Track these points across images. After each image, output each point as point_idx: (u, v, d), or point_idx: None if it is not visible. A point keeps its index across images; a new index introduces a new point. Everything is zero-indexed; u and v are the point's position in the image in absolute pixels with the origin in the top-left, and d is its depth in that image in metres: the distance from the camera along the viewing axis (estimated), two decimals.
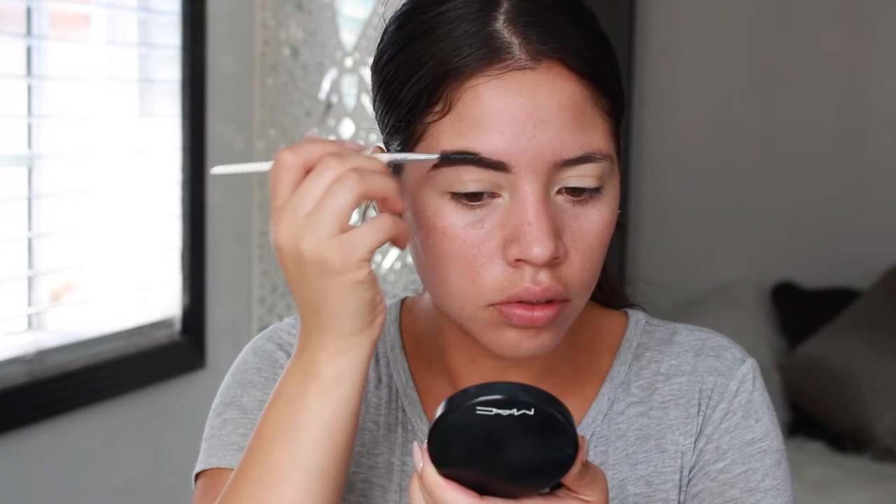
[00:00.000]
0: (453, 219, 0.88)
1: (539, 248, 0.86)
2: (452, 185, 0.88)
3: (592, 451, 1.00)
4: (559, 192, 0.88)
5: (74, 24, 2.26)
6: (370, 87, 0.98)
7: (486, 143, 0.86)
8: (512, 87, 0.86)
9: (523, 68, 0.86)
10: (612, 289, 1.08)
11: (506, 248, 0.88)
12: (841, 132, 3.72)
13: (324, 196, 0.82)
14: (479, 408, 0.75)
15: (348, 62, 2.53)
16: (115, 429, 2.22)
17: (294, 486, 0.87)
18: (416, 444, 0.80)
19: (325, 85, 2.55)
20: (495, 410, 0.75)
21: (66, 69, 2.17)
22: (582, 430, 1.00)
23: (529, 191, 0.87)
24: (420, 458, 0.79)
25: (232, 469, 0.97)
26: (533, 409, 0.75)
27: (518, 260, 0.87)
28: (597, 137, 0.88)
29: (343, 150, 0.85)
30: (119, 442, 2.23)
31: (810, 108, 3.73)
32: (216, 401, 1.04)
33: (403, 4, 0.94)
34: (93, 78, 2.20)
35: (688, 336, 1.03)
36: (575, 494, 0.80)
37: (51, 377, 2.06)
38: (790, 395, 3.34)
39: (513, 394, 0.75)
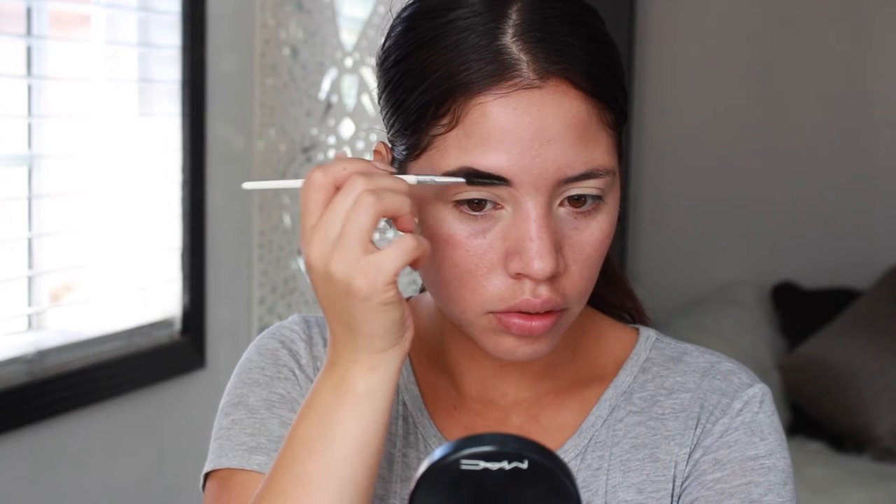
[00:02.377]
0: (457, 228, 0.89)
1: (540, 264, 0.87)
2: (456, 194, 0.89)
3: (590, 455, 1.00)
4: (561, 203, 0.90)
5: (74, 24, 2.26)
6: (374, 84, 0.98)
7: (492, 161, 0.87)
8: (519, 107, 0.87)
9: (531, 87, 0.87)
10: (636, 308, 1.10)
11: (507, 260, 0.89)
12: (841, 132, 3.72)
13: (346, 218, 0.84)
14: (464, 461, 0.66)
15: (348, 62, 2.53)
16: (115, 429, 2.22)
17: (327, 497, 0.87)
18: None
19: (325, 85, 2.55)
20: (483, 464, 0.66)
21: (66, 69, 2.17)
22: (581, 434, 1.00)
23: (532, 207, 0.88)
24: None
25: (242, 469, 0.98)
26: (526, 462, 0.66)
27: (519, 273, 0.89)
28: (600, 153, 0.89)
29: (371, 168, 0.86)
30: (119, 442, 2.23)
31: (810, 108, 3.73)
32: (223, 401, 1.05)
33: (411, 4, 0.94)
34: (93, 78, 2.20)
35: (698, 357, 1.03)
36: None
37: (51, 377, 2.06)
38: (790, 395, 3.33)
39: (502, 444, 0.66)
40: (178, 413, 2.38)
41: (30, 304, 2.09)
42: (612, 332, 1.05)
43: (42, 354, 2.07)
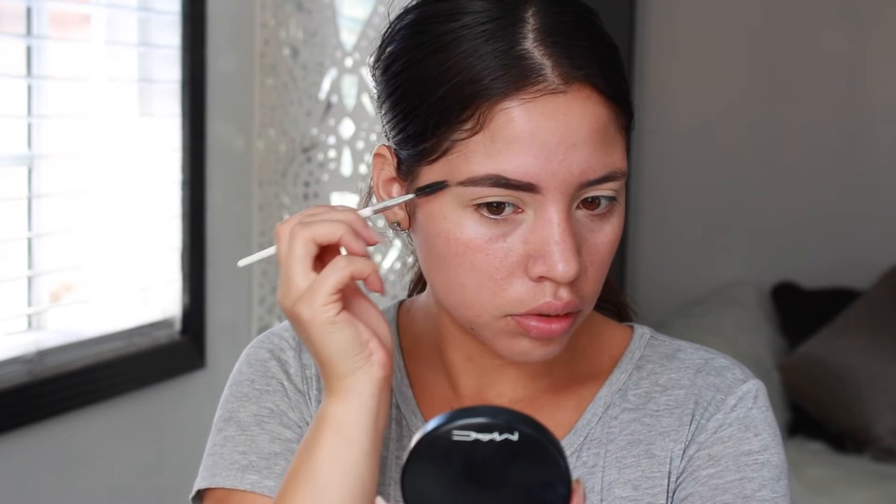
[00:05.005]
0: (476, 231, 0.90)
1: (565, 267, 0.88)
2: (476, 198, 0.89)
3: (586, 452, 1.00)
4: (578, 206, 0.91)
5: (74, 24, 2.26)
6: (373, 86, 0.98)
7: (518, 166, 0.88)
8: (546, 112, 0.88)
9: (556, 92, 0.88)
10: (619, 301, 1.12)
11: (528, 263, 0.90)
12: (841, 132, 3.72)
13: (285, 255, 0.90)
14: (455, 432, 0.68)
15: (348, 62, 2.53)
16: (115, 429, 2.22)
17: None
18: (378, 499, 0.79)
19: (325, 85, 2.55)
20: (474, 435, 0.67)
21: (66, 69, 2.17)
22: (576, 431, 1.01)
23: (555, 210, 0.89)
24: None
25: (237, 489, 1.00)
26: (517, 434, 0.67)
27: (541, 276, 0.90)
28: (617, 156, 0.91)
29: (319, 210, 0.91)
30: (119, 442, 2.23)
31: (810, 108, 3.72)
32: (218, 414, 1.05)
33: (414, 8, 0.94)
34: (93, 78, 2.20)
35: (692, 354, 1.04)
36: None
37: (51, 377, 2.06)
38: (790, 395, 3.33)
39: (494, 416, 0.67)
40: (178, 413, 2.38)
41: (30, 304, 2.09)
42: (608, 330, 1.06)
43: (42, 354, 2.07)
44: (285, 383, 1.03)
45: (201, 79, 2.39)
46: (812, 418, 3.30)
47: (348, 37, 2.54)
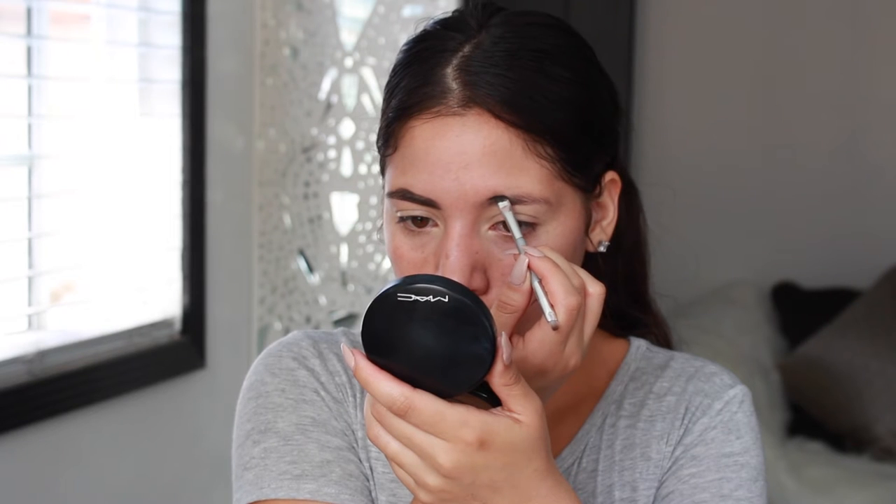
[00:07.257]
0: (401, 241, 0.96)
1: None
2: (398, 212, 0.95)
3: (586, 459, 1.04)
4: (493, 227, 0.93)
5: (74, 24, 2.26)
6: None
7: (420, 181, 0.93)
8: (440, 131, 0.92)
9: (454, 114, 0.92)
10: (657, 326, 1.16)
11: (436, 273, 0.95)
12: (841, 132, 3.72)
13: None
14: (399, 294, 0.82)
15: (348, 62, 2.53)
16: (115, 429, 2.22)
17: None
18: (343, 345, 0.85)
19: (325, 85, 2.55)
20: (414, 297, 0.81)
21: (66, 69, 2.17)
22: (576, 441, 1.05)
23: (452, 227, 0.93)
24: (351, 356, 0.83)
25: (293, 500, 0.99)
26: (447, 297, 0.81)
27: None
28: (526, 181, 0.92)
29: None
30: (119, 442, 2.23)
31: (810, 108, 3.72)
32: (245, 427, 1.03)
33: (420, 25, 1.00)
34: (93, 78, 2.20)
35: (683, 363, 1.09)
36: (509, 413, 0.83)
37: (51, 377, 2.06)
38: (790, 395, 3.33)
39: (431, 282, 0.82)
40: (178, 413, 2.38)
41: (30, 304, 2.09)
42: (605, 346, 1.10)
43: (42, 354, 2.07)
44: (322, 392, 1.03)
45: (201, 79, 2.39)
46: (812, 418, 3.30)
47: (348, 37, 2.54)
